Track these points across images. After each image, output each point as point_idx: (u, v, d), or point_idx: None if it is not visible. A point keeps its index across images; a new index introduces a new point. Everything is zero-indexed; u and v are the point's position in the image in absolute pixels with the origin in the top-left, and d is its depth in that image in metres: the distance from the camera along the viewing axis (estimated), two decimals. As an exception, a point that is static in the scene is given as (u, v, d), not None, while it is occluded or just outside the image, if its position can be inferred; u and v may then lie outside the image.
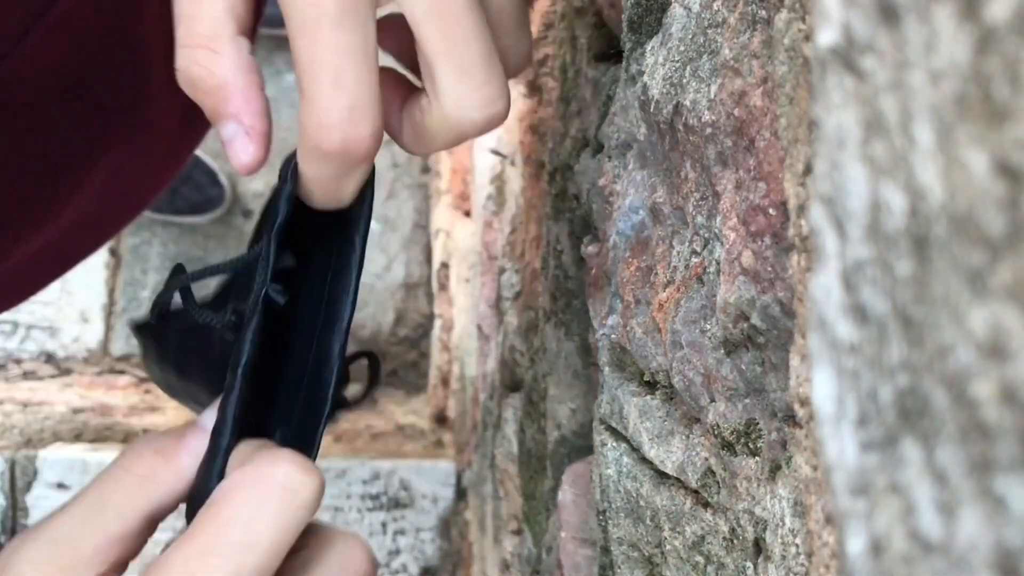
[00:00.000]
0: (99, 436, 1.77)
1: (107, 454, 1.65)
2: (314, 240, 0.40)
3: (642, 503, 0.49)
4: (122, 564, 0.36)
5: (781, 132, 0.33)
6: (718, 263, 0.40)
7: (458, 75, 0.36)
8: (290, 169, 0.38)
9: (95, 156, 0.58)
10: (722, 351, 0.40)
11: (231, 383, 0.38)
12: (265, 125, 0.36)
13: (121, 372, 1.89)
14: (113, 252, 1.94)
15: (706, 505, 0.43)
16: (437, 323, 1.90)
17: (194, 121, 0.61)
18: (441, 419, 1.80)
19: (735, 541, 0.40)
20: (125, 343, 1.91)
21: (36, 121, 0.53)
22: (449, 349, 1.71)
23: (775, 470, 0.36)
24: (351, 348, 0.41)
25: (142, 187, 0.64)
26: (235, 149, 0.36)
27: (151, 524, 0.37)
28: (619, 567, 0.53)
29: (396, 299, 2.00)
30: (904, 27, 0.18)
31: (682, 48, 0.44)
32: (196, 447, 0.37)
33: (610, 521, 0.54)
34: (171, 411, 1.80)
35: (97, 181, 0.59)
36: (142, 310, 1.92)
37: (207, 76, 0.35)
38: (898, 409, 0.19)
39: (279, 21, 0.35)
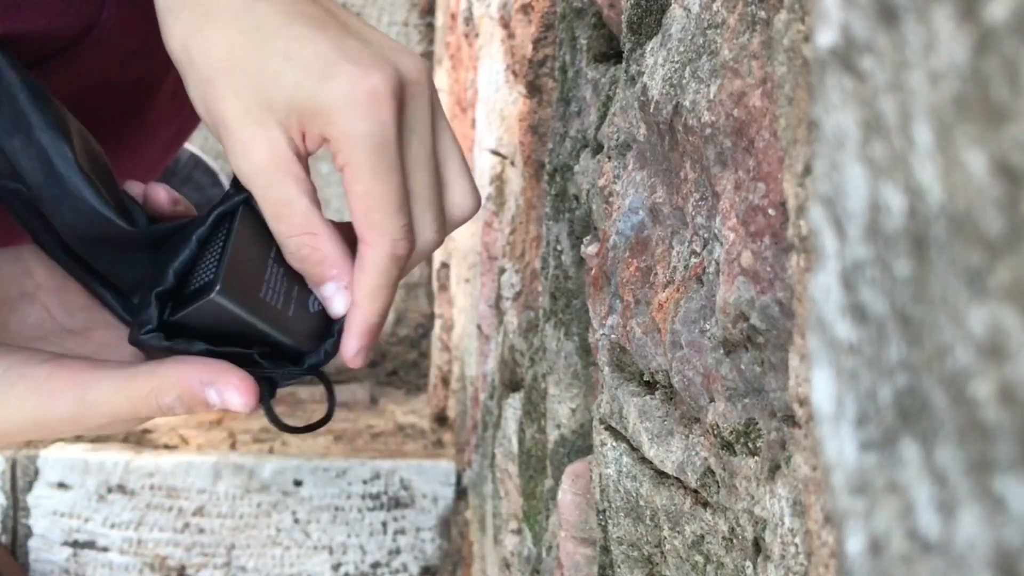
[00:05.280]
0: (100, 436, 1.77)
1: (108, 454, 1.65)
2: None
3: (642, 503, 0.49)
4: None
5: (780, 133, 0.33)
6: (717, 263, 0.40)
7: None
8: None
9: None
10: (721, 351, 0.40)
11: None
12: (351, 276, 0.45)
13: (121, 372, 1.88)
14: (113, 252, 1.93)
15: (705, 505, 0.43)
16: (437, 323, 1.90)
17: (183, 131, 0.69)
18: (441, 419, 1.80)
19: (734, 540, 0.40)
20: (125, 343, 1.90)
21: None
22: (449, 349, 1.71)
23: (774, 470, 0.36)
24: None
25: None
26: (336, 303, 0.46)
27: None
28: (619, 566, 0.53)
29: (396, 299, 2.00)
30: (903, 28, 0.18)
31: (682, 49, 0.44)
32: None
33: (610, 520, 0.54)
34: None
35: None
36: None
37: (313, 253, 0.44)
38: (897, 409, 0.19)
39: None
